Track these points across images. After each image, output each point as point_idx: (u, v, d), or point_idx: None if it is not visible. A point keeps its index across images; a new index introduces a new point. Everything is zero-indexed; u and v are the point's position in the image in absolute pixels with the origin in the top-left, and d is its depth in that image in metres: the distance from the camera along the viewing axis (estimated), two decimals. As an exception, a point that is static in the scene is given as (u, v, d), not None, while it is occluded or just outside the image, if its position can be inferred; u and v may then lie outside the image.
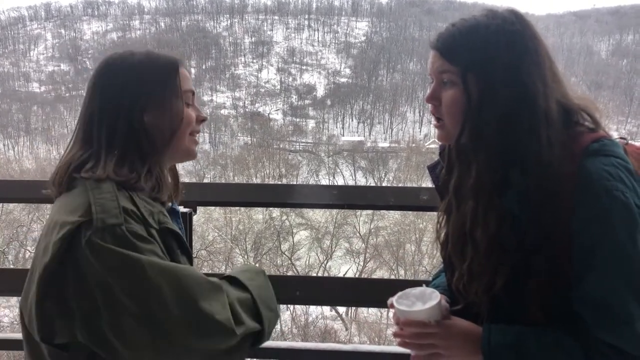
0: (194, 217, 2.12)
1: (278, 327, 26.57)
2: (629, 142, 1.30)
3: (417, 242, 29.29)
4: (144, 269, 1.10)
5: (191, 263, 1.34)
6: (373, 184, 53.70)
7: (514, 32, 1.16)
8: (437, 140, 1.33)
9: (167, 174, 1.39)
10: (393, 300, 1.28)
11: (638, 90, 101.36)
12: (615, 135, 1.23)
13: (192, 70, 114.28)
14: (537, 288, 1.14)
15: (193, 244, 2.07)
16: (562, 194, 1.12)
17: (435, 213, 1.42)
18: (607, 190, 1.08)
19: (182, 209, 2.03)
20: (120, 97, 1.27)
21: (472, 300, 1.26)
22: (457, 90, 1.19)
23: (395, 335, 1.27)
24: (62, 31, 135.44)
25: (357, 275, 27.79)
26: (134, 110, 1.27)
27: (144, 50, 1.36)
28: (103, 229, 1.10)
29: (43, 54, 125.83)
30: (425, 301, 1.25)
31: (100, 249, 1.08)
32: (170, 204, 1.43)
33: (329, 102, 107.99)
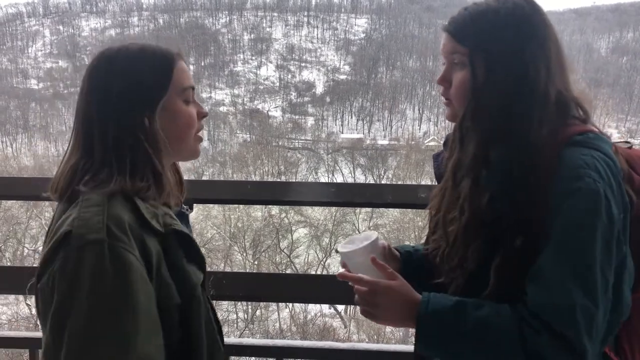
0: (191, 215, 2.11)
1: (277, 325, 26.62)
2: (633, 147, 1.32)
3: (416, 240, 29.29)
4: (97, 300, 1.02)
5: (203, 267, 1.28)
6: (372, 182, 53.73)
7: (523, 16, 1.20)
8: (447, 119, 1.37)
9: (169, 175, 1.31)
10: (338, 245, 1.35)
11: (638, 88, 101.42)
12: (615, 135, 1.29)
13: (191, 67, 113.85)
14: (506, 265, 1.16)
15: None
16: (540, 177, 1.14)
17: None
18: (578, 176, 1.10)
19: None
20: (118, 101, 1.20)
21: (450, 275, 1.29)
22: (466, 71, 1.23)
23: (338, 276, 1.32)
24: (60, 28, 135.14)
25: (356, 273, 27.78)
26: (134, 115, 1.20)
27: (139, 45, 1.27)
28: (80, 246, 1.04)
29: (41, 50, 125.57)
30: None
31: (68, 269, 1.03)
32: (177, 207, 1.36)
33: (328, 99, 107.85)
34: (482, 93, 1.21)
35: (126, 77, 1.21)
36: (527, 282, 1.14)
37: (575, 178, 1.11)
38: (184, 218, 1.39)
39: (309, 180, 50.51)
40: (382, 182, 52.56)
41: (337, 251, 1.36)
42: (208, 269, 1.40)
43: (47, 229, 1.23)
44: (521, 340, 1.11)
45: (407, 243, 1.35)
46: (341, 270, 1.34)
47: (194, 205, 1.92)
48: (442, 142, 1.49)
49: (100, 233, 1.05)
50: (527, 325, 1.11)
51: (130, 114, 1.20)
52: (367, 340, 24.25)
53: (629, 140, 1.35)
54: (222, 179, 48.05)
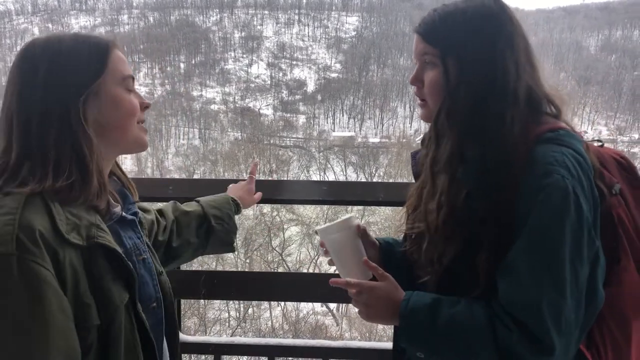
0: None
1: (269, 323, 26.62)
2: (605, 145, 1.35)
3: (408, 238, 29.34)
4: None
5: (132, 284, 1.16)
6: (363, 180, 53.76)
7: (490, 15, 1.23)
8: (421, 119, 1.40)
9: (104, 173, 1.22)
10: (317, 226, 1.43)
11: (626, 86, 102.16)
12: (604, 132, 1.30)
13: (182, 65, 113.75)
14: (484, 261, 1.19)
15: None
16: (511, 174, 1.16)
17: None
18: (547, 172, 1.12)
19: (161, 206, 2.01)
20: (44, 88, 1.10)
21: (427, 270, 1.32)
22: (437, 71, 1.26)
23: (331, 282, 1.36)
24: (50, 26, 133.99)
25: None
26: (60, 103, 1.11)
27: (70, 34, 1.19)
28: None
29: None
30: None
31: None
32: (122, 212, 1.25)
33: (319, 98, 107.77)
34: (456, 92, 1.23)
35: (54, 62, 1.12)
36: (498, 277, 1.16)
37: (544, 175, 1.12)
38: (130, 224, 1.28)
39: (301, 179, 50.54)
40: (374, 179, 52.65)
41: (316, 232, 1.42)
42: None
43: None
44: (493, 336, 1.13)
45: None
46: (321, 250, 1.41)
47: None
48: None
49: (8, 246, 0.95)
50: (499, 321, 1.14)
51: (57, 101, 1.10)
52: (359, 337, 24.30)
53: (600, 138, 1.38)
54: (214, 177, 47.91)
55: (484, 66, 1.21)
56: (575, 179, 1.12)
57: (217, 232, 1.76)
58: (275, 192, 2.09)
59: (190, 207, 1.77)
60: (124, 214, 1.26)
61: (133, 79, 1.26)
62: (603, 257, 1.18)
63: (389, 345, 1.56)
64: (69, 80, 1.12)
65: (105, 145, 1.18)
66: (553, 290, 1.09)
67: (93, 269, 1.07)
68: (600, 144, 1.35)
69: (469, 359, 1.19)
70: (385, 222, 31.05)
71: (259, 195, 1.97)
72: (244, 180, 2.00)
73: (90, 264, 1.07)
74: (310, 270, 29.60)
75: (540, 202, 1.11)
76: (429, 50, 1.27)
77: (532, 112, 1.24)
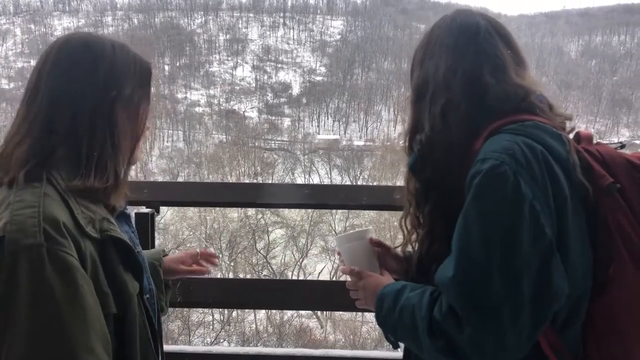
0: (163, 218, 2.03)
1: (253, 326, 26.46)
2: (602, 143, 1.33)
3: (391, 240, 29.06)
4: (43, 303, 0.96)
5: (140, 276, 1.22)
6: (348, 183, 53.80)
7: (466, 21, 1.33)
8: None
9: (127, 175, 1.28)
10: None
11: (606, 91, 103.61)
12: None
13: (166, 68, 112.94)
14: (434, 210, 1.28)
15: (167, 243, 1.99)
16: (454, 167, 1.23)
17: None
18: (484, 159, 1.13)
19: (143, 209, 1.95)
20: (102, 87, 1.13)
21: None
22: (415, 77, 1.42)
23: (341, 270, 1.50)
24: (32, 27, 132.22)
25: (332, 273, 27.81)
26: (106, 101, 1.14)
27: (120, 42, 1.24)
28: (15, 252, 0.96)
29: (12, 50, 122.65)
30: None
31: (2, 279, 0.95)
32: (121, 207, 1.29)
33: (304, 101, 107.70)
34: (418, 99, 1.37)
35: (108, 61, 1.15)
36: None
37: (481, 161, 1.13)
38: (125, 219, 1.34)
39: (286, 182, 50.41)
40: (359, 182, 52.71)
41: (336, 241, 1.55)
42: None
43: None
44: (429, 316, 1.16)
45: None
46: (337, 257, 1.56)
47: (170, 207, 1.84)
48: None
49: (37, 237, 0.97)
50: (440, 308, 1.14)
51: (104, 96, 1.13)
52: (343, 340, 24.25)
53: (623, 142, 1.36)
54: (197, 180, 47.59)
55: (450, 65, 1.29)
56: (520, 165, 1.10)
57: None
58: (254, 196, 2.03)
59: None
60: (124, 210, 1.32)
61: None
62: (577, 252, 1.14)
63: (370, 353, 1.52)
64: (114, 83, 1.16)
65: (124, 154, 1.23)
66: (472, 269, 1.09)
67: (107, 260, 1.12)
68: (618, 145, 1.32)
69: (418, 341, 1.20)
70: (369, 224, 31.06)
71: (187, 270, 1.72)
72: (224, 182, 1.93)
73: (105, 255, 1.12)
74: (295, 273, 29.54)
75: (475, 187, 1.12)
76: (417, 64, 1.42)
77: (506, 108, 1.23)
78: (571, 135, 1.28)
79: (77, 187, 1.10)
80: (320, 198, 2.07)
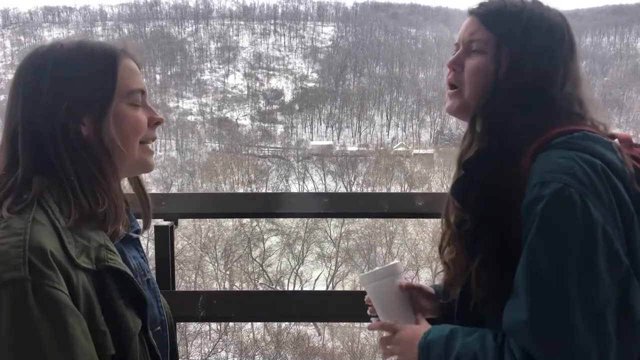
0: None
1: (251, 335, 26.29)
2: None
3: (387, 245, 29.43)
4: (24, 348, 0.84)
5: (144, 311, 1.07)
6: (342, 189, 53.78)
7: (556, 22, 1.19)
8: (447, 112, 1.31)
9: (120, 195, 1.12)
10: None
11: (597, 91, 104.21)
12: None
13: (158, 77, 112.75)
14: (483, 268, 1.13)
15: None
16: (504, 189, 1.10)
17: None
18: (543, 182, 1.01)
19: (162, 222, 1.91)
20: (48, 103, 1.00)
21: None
22: (485, 59, 1.19)
23: (369, 327, 1.36)
24: (22, 38, 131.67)
25: (328, 280, 27.74)
26: (67, 119, 1.01)
27: (76, 40, 1.09)
28: None
29: (2, 61, 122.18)
30: None
31: None
32: (125, 231, 1.15)
33: (297, 107, 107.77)
34: (504, 85, 1.15)
35: (58, 73, 1.03)
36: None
37: (540, 185, 1.01)
38: (133, 243, 1.20)
39: (280, 189, 50.37)
40: (353, 188, 52.69)
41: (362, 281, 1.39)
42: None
43: None
44: None
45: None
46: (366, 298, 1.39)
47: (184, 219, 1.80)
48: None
49: (21, 270, 0.86)
50: (508, 351, 1.03)
51: (62, 116, 1.01)
52: (341, 347, 24.14)
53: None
54: (191, 189, 47.45)
55: (539, 67, 1.14)
56: (585, 185, 0.98)
57: None
58: (273, 206, 2.00)
59: None
60: (129, 233, 1.18)
61: (143, 92, 1.14)
62: None
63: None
64: (68, 94, 1.02)
65: (109, 167, 1.08)
66: (549, 309, 0.97)
67: (105, 294, 0.99)
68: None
69: None
70: (365, 229, 31.04)
71: None
72: (239, 193, 1.89)
73: (102, 288, 0.98)
74: (292, 281, 29.42)
75: (539, 217, 0.99)
76: (482, 36, 1.19)
77: (570, 123, 1.13)
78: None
79: (74, 217, 0.98)
80: (340, 207, 2.02)
